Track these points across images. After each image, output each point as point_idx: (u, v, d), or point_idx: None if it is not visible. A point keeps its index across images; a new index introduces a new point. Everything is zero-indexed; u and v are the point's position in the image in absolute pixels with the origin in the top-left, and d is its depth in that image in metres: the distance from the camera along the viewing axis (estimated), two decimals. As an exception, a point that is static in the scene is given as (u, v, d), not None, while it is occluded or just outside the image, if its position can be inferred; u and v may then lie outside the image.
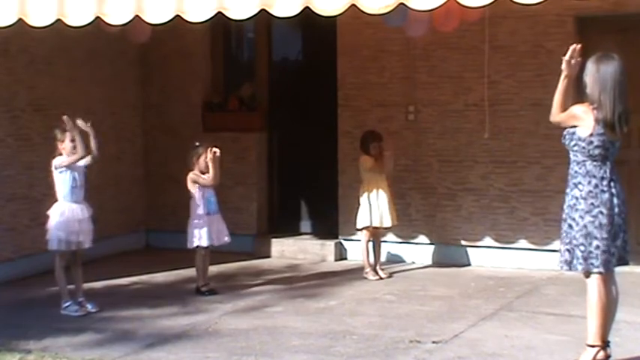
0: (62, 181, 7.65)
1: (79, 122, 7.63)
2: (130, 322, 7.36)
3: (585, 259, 5.76)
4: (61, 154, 7.67)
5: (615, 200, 5.75)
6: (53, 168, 7.67)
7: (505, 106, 9.27)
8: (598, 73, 5.74)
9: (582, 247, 5.77)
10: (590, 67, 5.81)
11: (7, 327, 7.23)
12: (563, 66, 5.80)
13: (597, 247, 5.73)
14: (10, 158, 9.05)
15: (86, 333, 7.03)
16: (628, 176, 8.59)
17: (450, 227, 9.56)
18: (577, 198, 5.81)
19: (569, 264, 5.87)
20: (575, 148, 5.82)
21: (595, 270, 5.76)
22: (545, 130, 8.73)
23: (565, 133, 5.91)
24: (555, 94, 5.84)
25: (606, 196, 5.73)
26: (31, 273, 8.92)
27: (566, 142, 5.88)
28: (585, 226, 5.75)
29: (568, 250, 5.87)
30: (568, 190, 5.90)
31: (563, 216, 5.94)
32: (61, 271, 7.72)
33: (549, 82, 9.01)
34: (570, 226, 5.85)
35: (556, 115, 5.86)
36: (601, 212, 5.72)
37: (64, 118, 7.56)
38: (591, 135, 5.73)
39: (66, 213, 7.64)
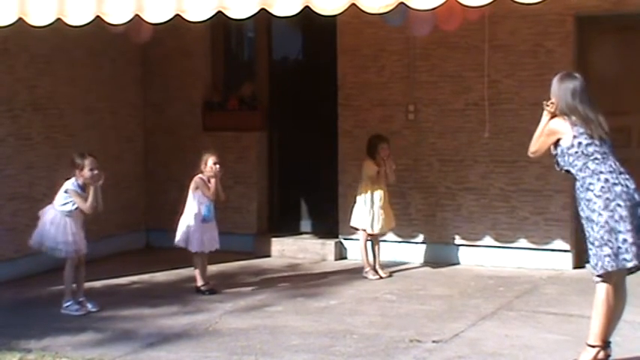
0: (65, 199, 7.67)
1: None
2: (131, 322, 7.36)
3: (616, 255, 5.64)
4: (78, 177, 7.67)
5: (630, 190, 5.68)
6: (63, 190, 7.67)
7: (505, 105, 9.27)
8: (560, 90, 5.89)
9: (610, 244, 5.65)
10: (554, 85, 5.96)
11: (8, 326, 7.23)
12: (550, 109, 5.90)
13: (625, 240, 5.62)
14: (11, 158, 9.04)
15: (86, 332, 7.03)
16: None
17: (450, 227, 9.56)
18: (590, 200, 5.71)
19: (599, 266, 5.69)
20: (570, 159, 5.81)
21: (630, 264, 5.63)
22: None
23: (554, 160, 5.95)
24: (537, 131, 5.97)
25: (619, 188, 5.68)
26: (31, 272, 8.92)
27: (561, 164, 5.91)
28: (607, 222, 5.65)
29: (595, 252, 5.71)
30: (581, 196, 5.76)
31: (582, 221, 5.83)
32: (71, 271, 7.73)
33: (549, 82, 9.02)
34: (592, 228, 5.73)
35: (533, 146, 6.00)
36: (618, 205, 5.65)
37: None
38: (575, 137, 5.77)
39: (57, 221, 7.65)
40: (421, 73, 9.59)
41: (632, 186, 5.74)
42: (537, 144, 6.02)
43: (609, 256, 5.65)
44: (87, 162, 7.66)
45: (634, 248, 5.62)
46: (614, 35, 8.79)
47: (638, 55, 8.82)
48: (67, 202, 7.65)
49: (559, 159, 5.91)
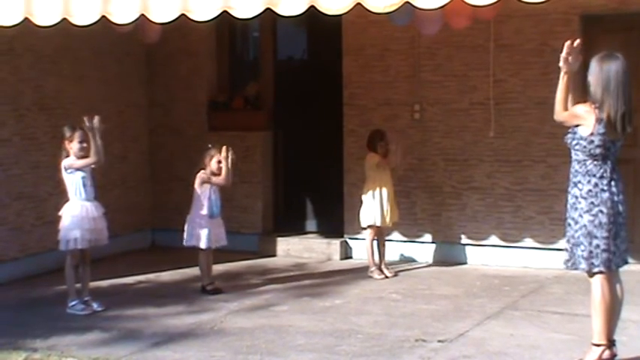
0: (72, 181, 7.66)
1: (95, 122, 7.65)
2: (136, 321, 7.37)
3: (586, 258, 5.76)
4: (68, 154, 7.68)
5: (615, 199, 5.74)
6: (62, 169, 7.68)
7: (510, 104, 9.27)
8: (601, 72, 5.72)
9: (583, 247, 5.77)
10: (594, 66, 5.79)
11: (14, 326, 7.25)
12: (561, 63, 5.79)
13: (597, 246, 5.73)
14: (16, 157, 9.06)
15: (92, 332, 7.04)
16: (633, 175, 8.58)
17: (456, 226, 9.56)
18: (577, 197, 5.82)
19: (571, 262, 5.89)
20: (577, 147, 5.82)
21: (596, 269, 5.76)
22: (551, 129, 8.72)
23: (567, 132, 5.92)
24: (557, 93, 5.83)
25: (606, 195, 5.72)
26: (36, 272, 8.94)
27: (568, 142, 5.89)
28: (585, 226, 5.75)
29: (569, 249, 5.88)
30: (569, 189, 5.91)
31: (566, 215, 5.94)
32: (71, 269, 7.74)
33: (555, 81, 8.97)
34: (570, 224, 5.87)
35: (560, 114, 5.86)
36: (601, 211, 5.71)
37: (85, 119, 7.58)
38: (592, 134, 5.72)
39: (79, 212, 7.65)
40: (426, 72, 9.59)
41: (620, 195, 5.79)
42: (561, 116, 5.83)
43: (582, 257, 5.78)
44: (76, 134, 7.65)
45: (605, 255, 5.72)
46: (619, 35, 8.76)
47: (643, 54, 8.80)
48: (77, 185, 7.63)
49: (569, 135, 5.88)
